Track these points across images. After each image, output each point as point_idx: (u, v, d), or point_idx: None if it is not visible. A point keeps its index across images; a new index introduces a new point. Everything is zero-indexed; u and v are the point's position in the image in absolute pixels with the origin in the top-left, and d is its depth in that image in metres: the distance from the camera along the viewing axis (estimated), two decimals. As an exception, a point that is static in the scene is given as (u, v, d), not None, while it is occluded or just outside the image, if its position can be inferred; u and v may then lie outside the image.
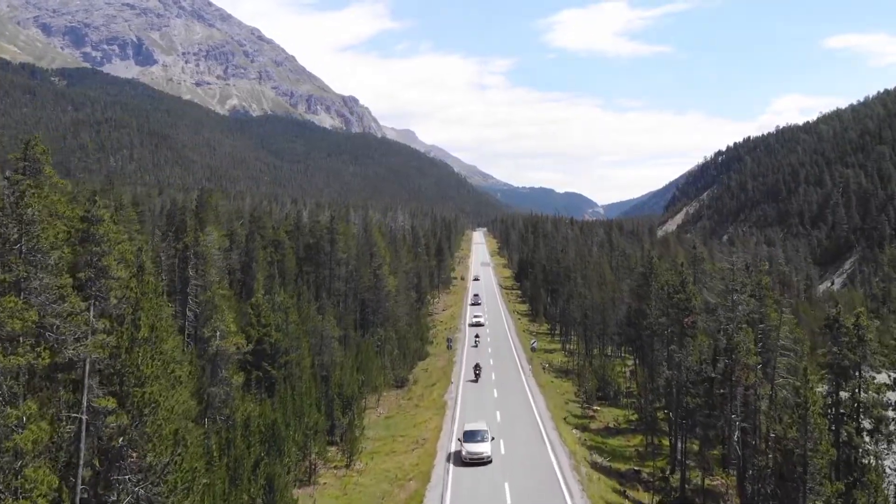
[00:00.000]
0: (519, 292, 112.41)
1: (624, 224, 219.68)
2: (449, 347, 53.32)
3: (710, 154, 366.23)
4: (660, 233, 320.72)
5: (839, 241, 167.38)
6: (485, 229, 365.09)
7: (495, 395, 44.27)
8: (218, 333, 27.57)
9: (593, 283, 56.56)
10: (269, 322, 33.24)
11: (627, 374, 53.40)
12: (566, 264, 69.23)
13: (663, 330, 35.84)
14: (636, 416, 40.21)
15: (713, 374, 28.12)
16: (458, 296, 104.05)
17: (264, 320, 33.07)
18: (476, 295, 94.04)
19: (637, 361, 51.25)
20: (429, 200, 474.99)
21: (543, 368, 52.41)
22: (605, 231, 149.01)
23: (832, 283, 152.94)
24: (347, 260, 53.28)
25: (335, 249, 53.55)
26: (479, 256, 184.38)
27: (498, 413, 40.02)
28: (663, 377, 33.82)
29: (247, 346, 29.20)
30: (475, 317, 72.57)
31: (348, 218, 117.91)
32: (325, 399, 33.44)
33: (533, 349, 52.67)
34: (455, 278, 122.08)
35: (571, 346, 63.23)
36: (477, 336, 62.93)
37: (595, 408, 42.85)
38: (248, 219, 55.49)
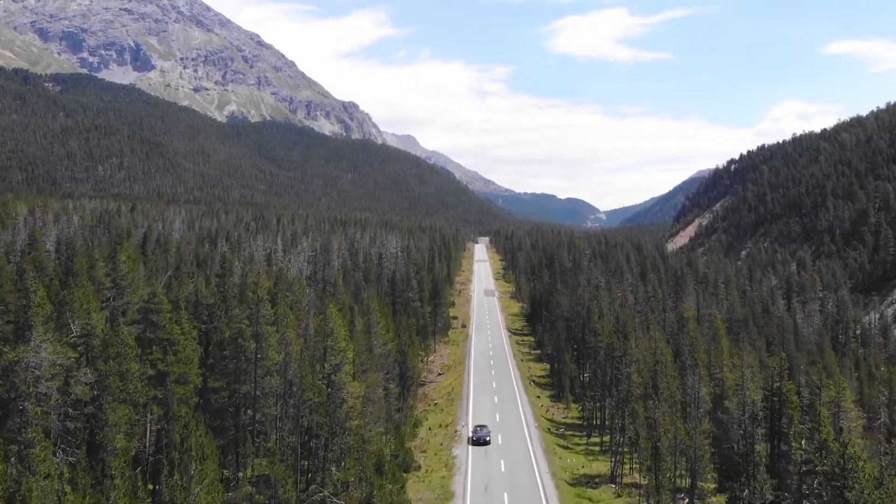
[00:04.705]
0: (531, 339, 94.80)
1: (643, 243, 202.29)
2: None
3: (712, 160, 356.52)
4: (670, 246, 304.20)
5: (885, 265, 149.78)
6: (487, 240, 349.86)
7: None
8: None
9: (660, 385, 38.59)
10: None
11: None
12: (607, 339, 50.91)
13: None
14: None
15: None
16: (458, 348, 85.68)
17: None
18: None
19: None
20: (429, 208, 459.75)
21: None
22: (631, 262, 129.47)
23: (881, 315, 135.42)
24: (285, 364, 35.38)
25: (263, 348, 35.79)
26: (482, 281, 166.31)
27: None
28: None
29: None
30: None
31: (329, 247, 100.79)
32: None
33: None
34: (455, 318, 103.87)
35: (625, 471, 43.49)
36: None
37: None
38: (142, 297, 36.99)
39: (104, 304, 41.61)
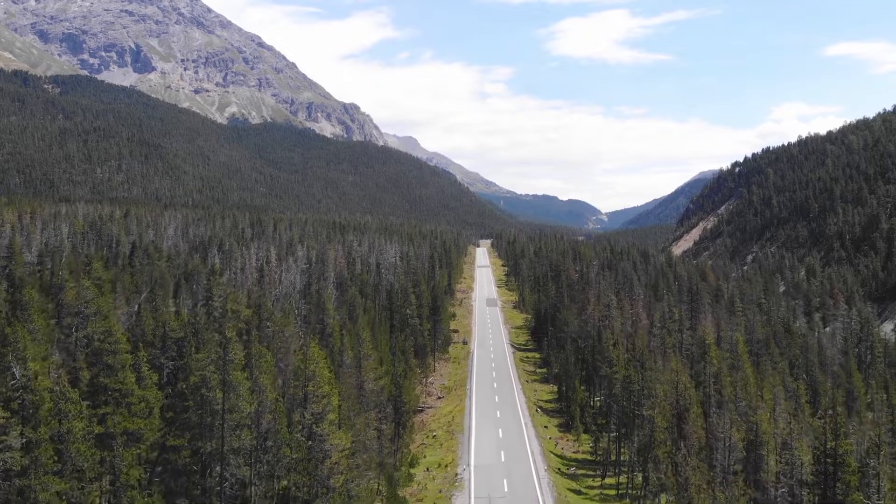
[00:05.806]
0: (537, 356, 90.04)
1: (649, 249, 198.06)
2: None
3: (714, 162, 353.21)
4: (675, 250, 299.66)
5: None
6: (489, 243, 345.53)
7: None
8: None
9: (686, 432, 34.35)
10: None
11: None
12: (623, 371, 46.53)
13: None
14: None
15: None
16: (459, 366, 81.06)
17: None
18: None
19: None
20: (430, 210, 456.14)
21: None
22: (639, 271, 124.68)
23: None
24: (258, 415, 30.82)
25: (232, 399, 29.84)
26: (484, 289, 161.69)
27: None
28: None
29: None
30: None
31: (325, 258, 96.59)
32: None
33: None
34: (455, 332, 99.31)
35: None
36: None
37: None
38: (97, 335, 32.43)
39: (67, 333, 37.56)
